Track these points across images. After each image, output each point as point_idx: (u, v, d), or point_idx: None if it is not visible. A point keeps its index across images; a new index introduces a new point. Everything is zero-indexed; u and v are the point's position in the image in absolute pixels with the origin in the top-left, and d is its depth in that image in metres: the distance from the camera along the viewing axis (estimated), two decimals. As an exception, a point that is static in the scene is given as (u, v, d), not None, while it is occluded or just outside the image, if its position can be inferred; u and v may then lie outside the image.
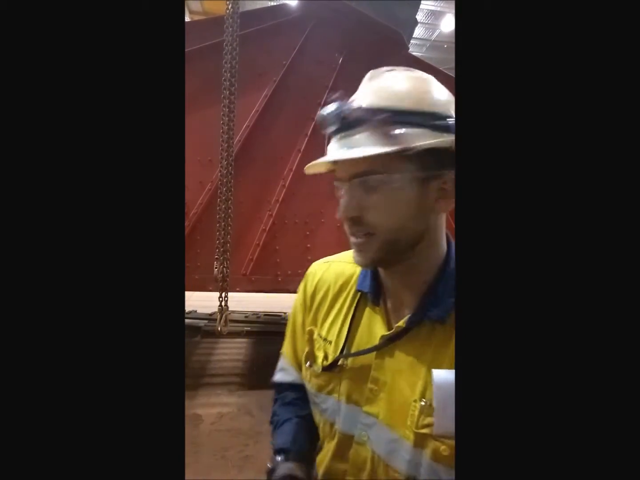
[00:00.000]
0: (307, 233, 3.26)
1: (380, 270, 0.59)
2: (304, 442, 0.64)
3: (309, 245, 3.26)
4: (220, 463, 2.38)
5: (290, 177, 3.20)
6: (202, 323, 5.14)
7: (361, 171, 0.54)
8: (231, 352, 4.39)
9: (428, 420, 0.51)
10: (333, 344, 0.60)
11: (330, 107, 0.59)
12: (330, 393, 0.60)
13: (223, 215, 2.45)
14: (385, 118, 0.51)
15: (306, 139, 3.19)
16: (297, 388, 0.70)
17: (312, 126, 3.18)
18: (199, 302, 5.40)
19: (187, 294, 4.15)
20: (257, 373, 3.67)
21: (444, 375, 0.49)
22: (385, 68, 0.60)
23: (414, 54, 5.05)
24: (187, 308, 5.56)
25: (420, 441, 0.51)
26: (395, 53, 3.23)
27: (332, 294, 0.65)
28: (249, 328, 4.89)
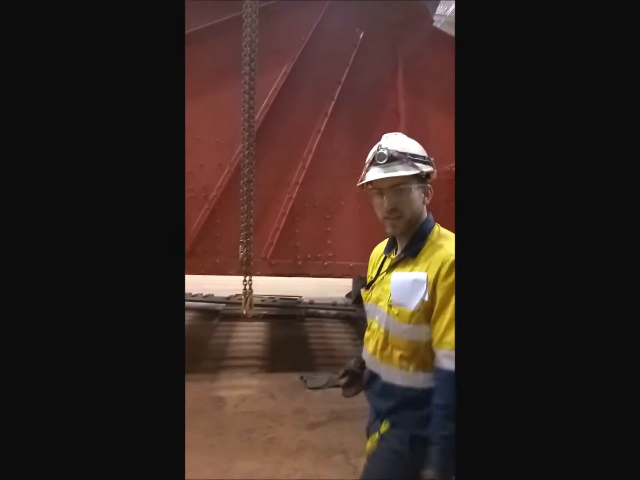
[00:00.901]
0: (327, 216, 3.20)
1: (397, 237, 1.12)
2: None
3: (329, 229, 3.21)
4: (246, 445, 2.40)
5: (309, 159, 3.13)
6: (219, 306, 5.19)
7: (397, 184, 1.03)
8: (249, 335, 4.41)
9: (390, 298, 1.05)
10: (371, 277, 1.18)
11: (384, 150, 1.04)
12: (368, 301, 1.16)
13: (246, 197, 2.41)
14: (408, 157, 1.03)
15: (326, 119, 3.10)
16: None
17: (332, 106, 3.09)
18: (214, 286, 5.45)
19: (201, 277, 4.17)
20: (276, 356, 3.69)
21: (397, 276, 1.05)
22: (392, 133, 1.11)
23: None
24: (204, 292, 5.60)
25: (388, 309, 1.05)
26: (419, 27, 3.08)
27: (379, 257, 1.19)
28: (266, 312, 4.91)
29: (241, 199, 2.37)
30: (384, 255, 1.15)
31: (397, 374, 1.03)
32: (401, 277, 1.03)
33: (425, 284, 0.97)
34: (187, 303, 5.39)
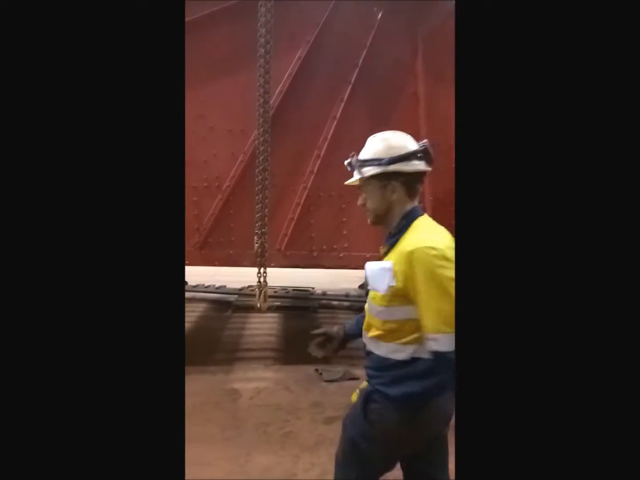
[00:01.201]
0: (343, 206, 3.10)
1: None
2: (355, 327, 1.40)
3: (344, 219, 3.12)
4: (263, 439, 2.36)
5: (325, 146, 3.03)
6: (232, 298, 5.17)
7: (359, 185, 1.23)
8: (262, 326, 4.38)
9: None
10: None
11: (350, 162, 1.23)
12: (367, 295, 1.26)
13: (260, 186, 2.33)
14: (359, 163, 1.20)
15: (342, 104, 2.99)
16: None
17: (348, 90, 2.98)
18: (227, 277, 5.42)
19: (214, 269, 4.15)
20: (290, 348, 3.65)
21: (370, 265, 1.19)
22: (372, 136, 1.24)
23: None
24: (217, 283, 5.58)
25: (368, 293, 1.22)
26: (439, 5, 2.93)
27: (383, 251, 1.25)
28: (279, 303, 4.86)
29: (256, 188, 2.30)
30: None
31: (376, 345, 1.20)
32: (374, 265, 1.19)
33: (391, 272, 1.10)
34: (199, 294, 5.38)
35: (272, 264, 3.06)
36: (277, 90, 2.90)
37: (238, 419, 2.56)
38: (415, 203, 1.20)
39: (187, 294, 5.38)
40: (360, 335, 1.29)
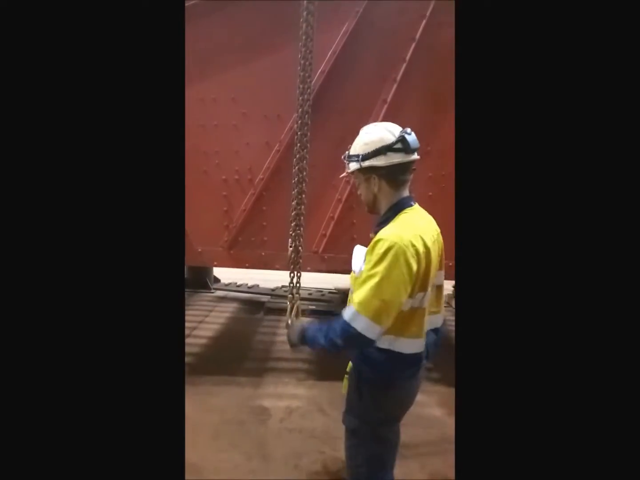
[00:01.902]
0: (391, 204, 2.70)
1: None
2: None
3: (392, 219, 2.71)
4: (294, 474, 2.03)
5: (372, 135, 2.63)
6: (265, 298, 4.90)
7: (352, 178, 1.36)
8: (296, 332, 4.07)
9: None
10: None
11: (345, 156, 1.31)
12: None
13: (297, 179, 1.97)
14: (353, 157, 1.24)
15: (394, 85, 2.57)
16: None
17: (402, 70, 2.56)
18: (261, 275, 5.15)
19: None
20: (324, 360, 3.30)
21: (357, 249, 1.29)
22: (365, 127, 1.31)
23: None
24: (249, 282, 5.33)
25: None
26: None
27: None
28: (314, 307, 4.53)
29: (292, 181, 1.94)
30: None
31: None
32: (356, 251, 1.28)
33: (363, 255, 1.18)
34: (231, 294, 5.15)
35: (308, 268, 2.70)
36: (319, 70, 2.52)
37: (266, 446, 2.24)
38: (404, 193, 1.25)
39: (219, 293, 5.18)
40: None
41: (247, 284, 5.24)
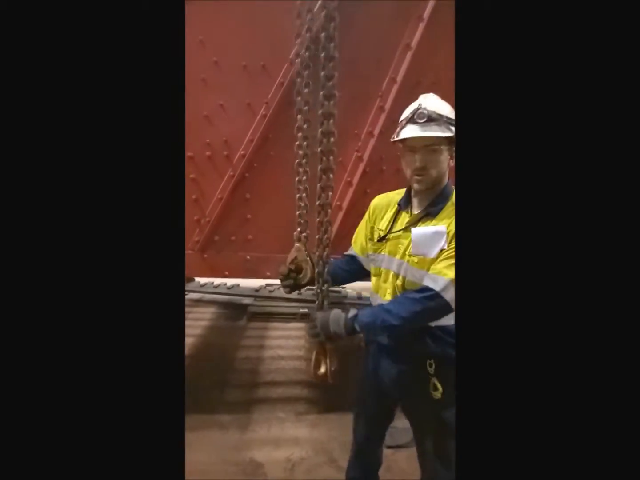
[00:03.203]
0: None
1: (413, 194, 1.23)
2: (338, 276, 1.32)
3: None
4: None
5: (393, 92, 1.94)
6: (247, 300, 4.19)
7: (431, 143, 1.11)
8: (287, 343, 3.40)
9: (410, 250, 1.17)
10: (383, 231, 1.24)
11: (424, 110, 1.11)
12: (380, 252, 1.24)
13: (301, 151, 1.27)
14: (445, 119, 1.10)
15: (422, 25, 1.88)
16: (352, 258, 1.40)
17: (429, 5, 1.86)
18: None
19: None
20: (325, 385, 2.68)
21: (417, 230, 1.14)
22: (429, 94, 1.17)
23: None
24: (228, 281, 4.59)
25: (409, 259, 1.16)
26: None
27: (385, 209, 1.29)
28: (305, 310, 3.87)
29: (297, 152, 1.24)
30: (394, 210, 1.25)
31: None
32: (421, 230, 1.14)
33: (445, 235, 1.10)
34: (208, 296, 4.42)
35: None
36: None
37: (263, 529, 1.60)
38: None
39: (194, 295, 4.44)
40: (341, 282, 1.42)
41: (225, 284, 4.51)
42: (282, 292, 4.04)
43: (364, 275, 1.38)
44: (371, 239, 1.28)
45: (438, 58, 1.85)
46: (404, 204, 1.22)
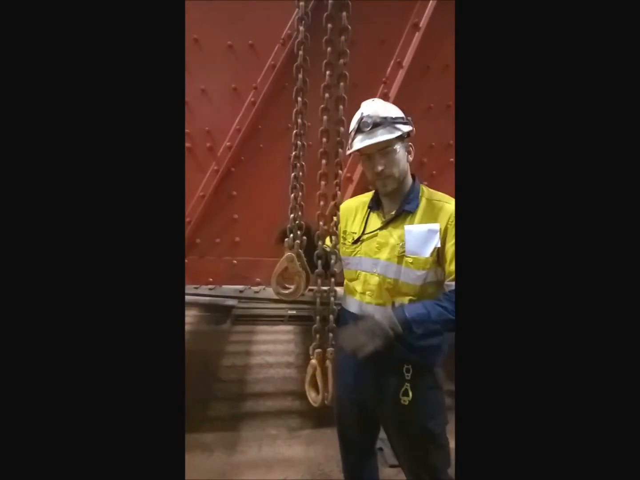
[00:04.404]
0: (433, 172, 1.86)
1: (381, 195, 1.22)
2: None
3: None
4: None
5: (408, 62, 1.75)
6: (231, 302, 3.96)
7: (382, 147, 1.12)
8: (276, 348, 3.22)
9: (402, 249, 1.14)
10: (356, 233, 1.23)
11: (367, 118, 1.12)
12: (355, 254, 1.22)
13: (299, 141, 1.06)
14: (389, 120, 1.12)
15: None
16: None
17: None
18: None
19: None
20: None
21: (410, 228, 1.15)
22: (370, 100, 1.18)
23: None
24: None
25: (399, 259, 1.15)
26: None
27: (355, 212, 1.28)
28: (293, 312, 3.67)
29: (294, 141, 1.03)
30: (365, 212, 1.25)
31: None
32: (414, 229, 1.14)
33: (438, 233, 1.12)
34: (189, 298, 4.17)
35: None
36: None
37: None
38: None
39: (173, 296, 4.18)
40: None
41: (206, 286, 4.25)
42: (267, 293, 3.85)
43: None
44: (344, 243, 1.25)
45: (450, 40, 1.66)
46: (375, 206, 1.23)
